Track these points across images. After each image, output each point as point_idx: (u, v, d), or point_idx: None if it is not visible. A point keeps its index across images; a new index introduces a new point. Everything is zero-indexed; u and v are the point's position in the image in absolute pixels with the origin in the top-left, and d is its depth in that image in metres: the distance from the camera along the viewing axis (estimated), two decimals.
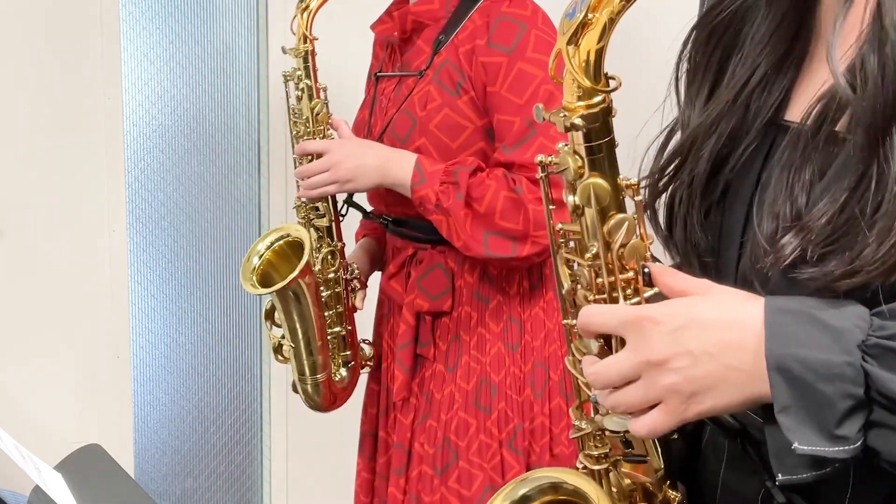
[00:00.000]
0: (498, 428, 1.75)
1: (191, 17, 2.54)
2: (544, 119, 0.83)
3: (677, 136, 0.94)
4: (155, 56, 2.50)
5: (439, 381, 1.78)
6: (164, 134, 2.55)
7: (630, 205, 0.84)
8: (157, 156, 2.56)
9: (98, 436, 1.95)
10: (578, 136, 0.81)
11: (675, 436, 0.90)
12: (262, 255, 1.81)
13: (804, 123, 0.83)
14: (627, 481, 0.91)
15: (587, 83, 0.79)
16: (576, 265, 0.86)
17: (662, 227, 0.96)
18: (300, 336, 1.80)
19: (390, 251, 1.87)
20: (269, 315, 1.84)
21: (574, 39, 0.78)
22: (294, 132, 1.81)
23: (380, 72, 1.84)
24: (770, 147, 0.88)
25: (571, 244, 0.87)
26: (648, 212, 0.95)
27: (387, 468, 1.87)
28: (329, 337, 1.85)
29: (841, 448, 0.73)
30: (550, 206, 0.88)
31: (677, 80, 0.96)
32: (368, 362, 1.91)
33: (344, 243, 1.85)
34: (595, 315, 0.82)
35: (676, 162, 0.93)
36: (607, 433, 0.89)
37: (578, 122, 0.79)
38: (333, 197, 1.83)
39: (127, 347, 2.51)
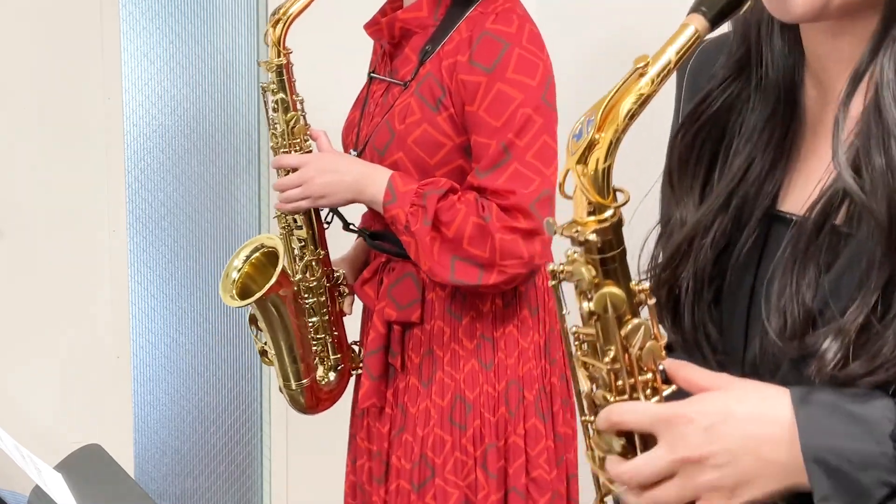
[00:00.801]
0: (473, 445, 1.73)
1: (191, 17, 2.54)
2: (555, 233, 0.86)
3: (676, 233, 0.96)
4: (155, 56, 2.50)
5: (413, 395, 1.76)
6: (164, 134, 2.55)
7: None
8: (157, 156, 2.56)
9: (98, 436, 1.95)
10: (592, 249, 0.84)
11: None
12: (240, 269, 1.82)
13: (807, 216, 0.85)
14: None
15: (598, 199, 0.83)
16: (592, 368, 0.88)
17: (669, 321, 0.97)
18: (282, 344, 1.82)
19: (369, 256, 1.86)
20: (253, 321, 1.85)
21: (583, 159, 0.82)
22: (272, 144, 1.79)
23: (373, 72, 1.82)
24: (766, 238, 0.91)
25: (586, 347, 0.89)
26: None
27: (368, 474, 1.85)
28: (314, 343, 1.85)
29: None
30: (564, 313, 0.90)
31: (670, 174, 0.98)
32: (360, 365, 1.90)
33: (327, 251, 1.83)
34: (626, 413, 0.84)
35: (678, 259, 0.95)
36: None
37: (593, 237, 0.83)
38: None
39: (127, 347, 2.51)
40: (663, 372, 0.86)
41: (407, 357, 1.77)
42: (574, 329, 0.89)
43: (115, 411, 2.50)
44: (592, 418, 0.88)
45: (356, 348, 1.89)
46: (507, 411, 1.73)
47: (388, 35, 1.74)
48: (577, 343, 0.89)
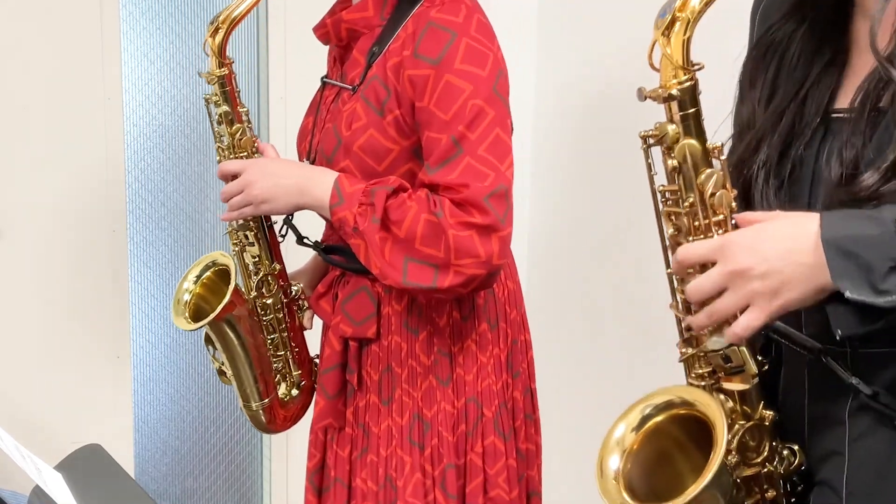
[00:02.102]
0: (431, 465, 1.66)
1: (191, 17, 2.54)
2: (645, 98, 1.06)
3: (747, 133, 1.16)
4: (155, 56, 2.50)
5: (375, 414, 1.69)
6: (164, 134, 2.55)
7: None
8: (157, 156, 2.56)
9: (98, 436, 1.95)
10: (674, 106, 1.05)
11: (766, 366, 1.12)
12: (191, 290, 1.76)
13: (853, 108, 1.06)
14: (730, 403, 1.13)
15: (680, 63, 1.03)
16: (674, 217, 1.09)
17: (742, 208, 1.13)
18: (238, 364, 1.76)
19: (327, 268, 1.79)
20: (209, 340, 1.78)
21: (667, 32, 1.02)
22: (217, 158, 1.73)
23: (325, 76, 1.75)
24: (825, 133, 1.10)
25: (670, 203, 1.09)
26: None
27: (317, 498, 1.79)
28: (275, 360, 1.79)
29: (885, 299, 0.94)
30: (652, 174, 1.09)
31: (741, 85, 1.19)
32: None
33: (283, 265, 1.76)
34: (688, 249, 1.06)
35: (749, 153, 1.14)
36: (709, 354, 1.11)
37: (675, 92, 1.04)
38: (268, 219, 1.74)
39: (127, 347, 2.51)
40: (735, 225, 1.06)
41: (365, 374, 1.69)
42: (660, 187, 1.10)
43: (115, 411, 2.51)
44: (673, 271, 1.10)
45: (318, 362, 1.80)
46: (465, 429, 1.67)
47: (335, 37, 1.68)
48: (662, 200, 1.10)
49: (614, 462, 1.11)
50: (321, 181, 1.60)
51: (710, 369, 1.13)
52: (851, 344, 1.06)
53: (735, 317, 1.04)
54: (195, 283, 1.78)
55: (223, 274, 1.77)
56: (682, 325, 1.14)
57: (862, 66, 1.09)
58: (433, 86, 1.51)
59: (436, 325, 1.65)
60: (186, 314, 1.76)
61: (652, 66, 1.06)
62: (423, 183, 1.56)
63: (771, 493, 1.16)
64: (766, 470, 1.15)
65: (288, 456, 2.75)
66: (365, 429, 1.70)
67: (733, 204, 1.07)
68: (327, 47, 1.80)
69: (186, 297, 1.77)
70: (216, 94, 1.69)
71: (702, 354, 1.12)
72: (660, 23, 1.02)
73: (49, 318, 2.40)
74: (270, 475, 2.78)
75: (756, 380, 1.12)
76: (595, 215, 2.62)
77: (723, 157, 1.07)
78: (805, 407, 1.15)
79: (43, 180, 2.34)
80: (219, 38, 1.65)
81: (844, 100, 1.10)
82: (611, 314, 2.60)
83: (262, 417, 1.83)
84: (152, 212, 2.57)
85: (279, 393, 1.82)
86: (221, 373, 1.83)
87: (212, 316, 1.69)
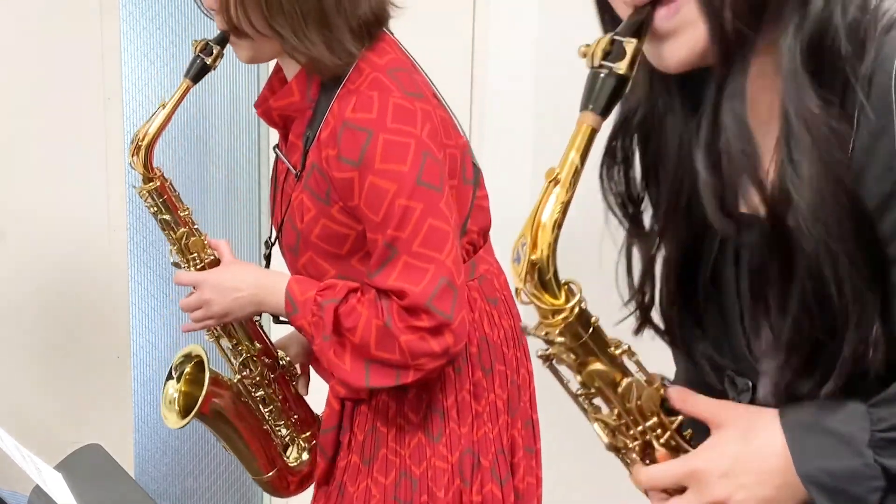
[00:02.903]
0: None
1: (191, 17, 2.54)
2: (529, 334, 0.94)
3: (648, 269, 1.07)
4: (155, 56, 2.50)
5: (353, 474, 1.67)
6: (165, 134, 2.54)
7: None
8: (157, 156, 2.55)
9: (98, 436, 1.95)
10: (567, 339, 0.94)
11: None
12: (178, 389, 1.78)
13: (760, 217, 0.92)
14: None
15: (554, 304, 0.92)
16: (604, 422, 1.01)
17: (677, 349, 1.10)
18: (235, 446, 1.79)
19: None
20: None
21: (529, 277, 0.90)
22: (171, 260, 1.74)
23: (276, 146, 1.71)
24: (725, 241, 1.00)
25: (595, 402, 1.01)
26: (648, 325, 1.09)
27: None
28: (278, 429, 1.81)
29: None
30: (566, 383, 0.99)
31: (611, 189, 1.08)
32: None
33: (263, 343, 1.76)
34: (656, 478, 0.99)
35: (649, 280, 1.06)
36: None
37: (560, 339, 0.94)
38: None
39: (127, 347, 2.51)
40: (666, 408, 0.99)
41: (352, 434, 1.68)
42: (578, 391, 1.00)
43: (115, 411, 2.51)
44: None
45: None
46: (461, 482, 1.64)
47: (271, 123, 1.67)
48: (587, 402, 1.00)
49: None
50: (274, 290, 1.60)
51: None
52: None
53: None
54: (178, 381, 1.79)
55: (201, 365, 1.77)
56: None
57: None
58: (359, 187, 1.49)
59: (427, 382, 1.62)
60: (178, 411, 1.78)
61: (521, 301, 0.93)
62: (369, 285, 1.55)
63: None
64: None
65: None
66: (341, 487, 1.69)
67: (662, 392, 0.98)
68: None
69: (175, 395, 1.79)
70: (154, 206, 1.71)
71: None
72: (516, 270, 0.91)
73: (49, 318, 2.40)
74: None
75: None
76: (595, 216, 2.62)
77: (636, 357, 0.98)
78: None
79: (43, 180, 2.34)
80: (142, 154, 1.68)
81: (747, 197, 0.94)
82: (612, 316, 2.60)
83: (272, 487, 1.85)
84: None
85: (290, 459, 1.83)
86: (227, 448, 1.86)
87: (194, 412, 1.71)
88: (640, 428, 0.99)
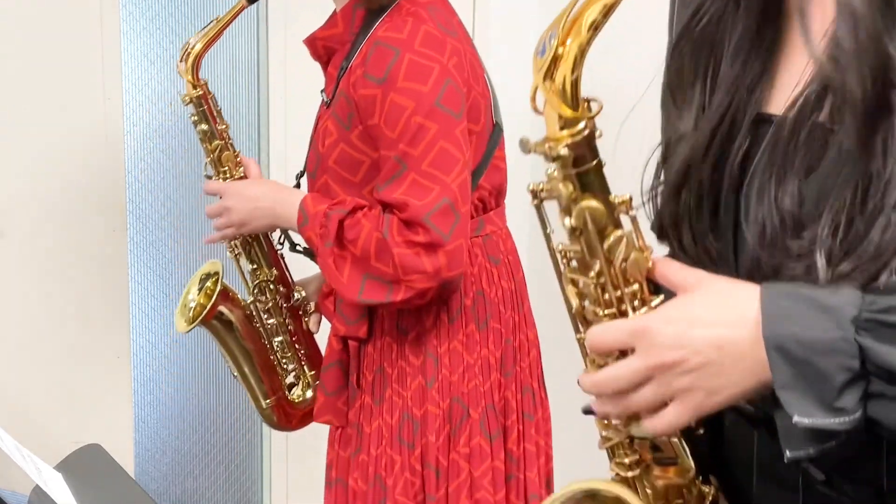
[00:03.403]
0: (421, 465, 1.68)
1: (191, 17, 2.54)
2: (529, 151, 0.84)
3: (677, 153, 0.95)
4: (155, 56, 2.50)
5: (368, 414, 1.72)
6: (165, 134, 2.55)
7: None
8: (157, 156, 2.56)
9: (98, 436, 1.95)
10: (567, 162, 0.83)
11: (701, 430, 0.92)
12: (195, 300, 1.86)
13: (785, 115, 0.86)
14: (660, 482, 0.94)
15: (568, 113, 0.82)
16: (581, 283, 0.89)
17: (676, 241, 0.97)
18: (241, 364, 1.85)
19: None
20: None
21: (549, 74, 0.81)
22: (204, 173, 1.84)
23: (323, 90, 1.78)
24: (752, 143, 0.90)
25: (574, 263, 0.89)
26: (653, 222, 0.98)
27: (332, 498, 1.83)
28: (284, 361, 1.87)
29: (840, 419, 0.76)
30: (548, 231, 0.89)
31: (670, 91, 0.98)
32: None
33: (281, 271, 1.85)
34: (599, 335, 0.86)
35: (680, 179, 0.95)
36: (636, 441, 0.92)
37: (564, 152, 0.83)
38: None
39: (127, 347, 2.51)
40: (651, 283, 0.87)
41: (362, 374, 1.73)
42: (560, 246, 0.89)
43: (115, 411, 2.50)
44: (584, 335, 0.90)
45: None
46: (450, 429, 1.68)
47: (315, 55, 1.73)
48: (564, 261, 0.89)
49: None
50: (291, 203, 1.67)
51: (637, 458, 0.94)
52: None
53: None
54: (199, 292, 1.87)
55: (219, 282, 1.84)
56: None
57: (799, 53, 0.88)
58: (380, 105, 1.55)
59: (424, 326, 1.68)
60: (189, 317, 1.85)
61: (535, 110, 0.85)
62: (376, 201, 1.61)
63: None
64: None
65: (288, 456, 2.75)
66: (359, 428, 1.74)
67: (650, 264, 0.86)
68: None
69: (192, 304, 1.87)
70: (195, 115, 1.80)
71: (628, 441, 0.93)
72: (539, 63, 0.82)
73: (49, 318, 2.40)
74: (270, 475, 2.78)
75: (692, 473, 0.93)
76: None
77: (632, 213, 0.86)
78: (753, 460, 0.96)
79: (43, 180, 2.34)
80: (190, 60, 1.77)
81: (776, 103, 0.90)
82: None
83: (273, 416, 1.89)
84: (152, 212, 2.57)
85: (293, 394, 1.89)
86: (236, 376, 1.90)
87: (201, 316, 1.78)
88: (617, 293, 0.86)
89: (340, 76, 1.64)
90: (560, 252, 0.89)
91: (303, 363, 1.87)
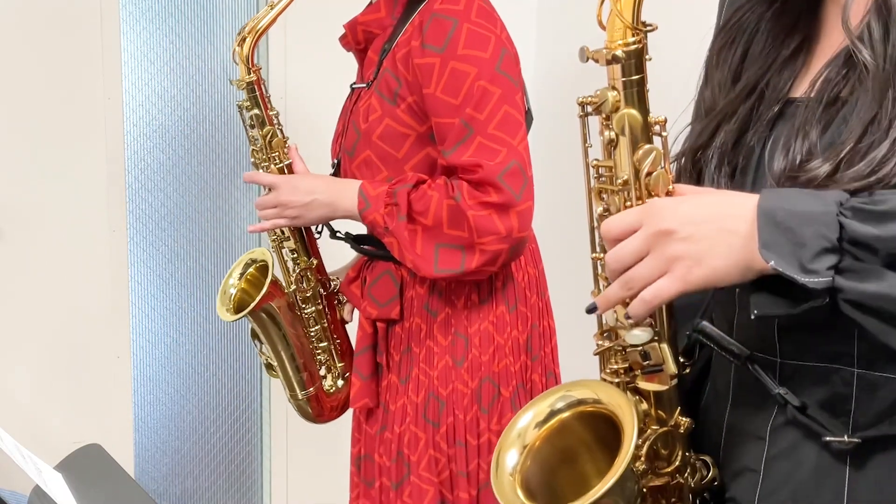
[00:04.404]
0: (447, 442, 1.72)
1: (191, 17, 2.54)
2: (587, 59, 0.96)
3: (707, 116, 1.08)
4: (155, 56, 2.50)
5: (394, 393, 1.76)
6: (164, 134, 2.55)
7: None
8: (157, 156, 2.56)
9: (98, 436, 1.95)
10: (617, 71, 0.95)
11: (687, 369, 1.04)
12: (235, 286, 1.86)
13: (809, 94, 0.98)
14: (644, 405, 1.03)
15: (629, 21, 0.93)
16: (606, 195, 0.99)
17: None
18: (283, 354, 1.85)
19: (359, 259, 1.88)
20: (255, 335, 1.87)
21: None
22: (252, 159, 1.83)
23: (353, 83, 1.84)
24: (777, 121, 1.02)
25: (603, 179, 0.99)
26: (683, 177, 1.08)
27: (359, 477, 1.85)
28: (318, 352, 1.88)
29: (811, 279, 0.85)
30: (587, 145, 1.00)
31: (707, 65, 1.11)
32: None
33: (320, 260, 1.86)
34: (612, 220, 0.95)
35: (706, 137, 1.06)
36: (627, 349, 1.02)
37: (620, 53, 0.94)
38: None
39: (127, 347, 2.51)
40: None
41: (389, 355, 1.77)
42: (594, 161, 1.00)
43: (115, 411, 2.50)
44: (601, 255, 1.00)
45: None
46: (479, 409, 1.72)
47: (354, 41, 1.77)
48: (595, 175, 1.00)
49: (512, 458, 1.02)
50: (347, 191, 1.70)
51: (627, 366, 1.03)
52: (782, 352, 0.97)
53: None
54: (240, 278, 1.87)
55: (264, 270, 1.85)
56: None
57: (827, 51, 1.01)
58: (439, 73, 1.59)
59: (454, 307, 1.72)
60: (231, 306, 1.85)
61: (600, 24, 0.96)
62: (442, 166, 1.64)
63: None
64: (675, 481, 1.05)
65: (288, 455, 2.75)
66: (385, 407, 1.78)
67: (671, 186, 0.96)
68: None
69: (233, 291, 1.87)
70: (247, 100, 1.80)
71: (619, 349, 1.03)
72: None
73: (49, 318, 2.40)
74: (270, 475, 2.78)
75: (675, 381, 1.02)
76: None
77: (665, 134, 0.97)
78: (724, 417, 1.05)
79: (43, 180, 2.34)
80: (246, 47, 1.76)
81: (804, 87, 1.02)
82: None
83: (307, 407, 1.90)
84: (152, 212, 2.57)
85: (325, 384, 1.90)
86: (269, 366, 1.90)
87: (251, 306, 1.78)
88: (639, 202, 0.96)
89: (383, 57, 1.68)
90: (593, 166, 1.00)
91: (334, 353, 1.89)
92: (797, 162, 0.93)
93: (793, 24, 1.04)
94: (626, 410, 0.98)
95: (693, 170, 1.06)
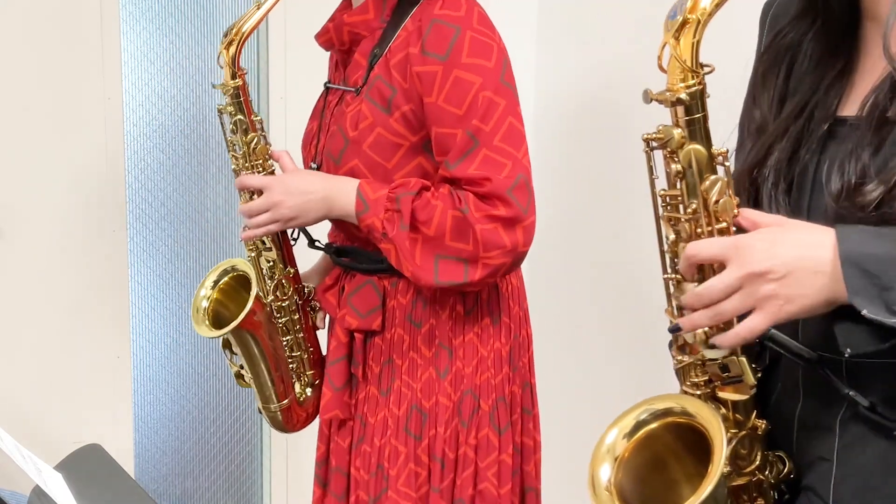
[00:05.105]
0: (428, 456, 1.68)
1: (191, 17, 2.54)
2: (651, 101, 1.03)
3: (759, 138, 1.15)
4: (155, 56, 2.50)
5: (373, 405, 1.71)
6: (164, 134, 2.55)
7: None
8: (157, 156, 2.56)
9: (98, 436, 1.96)
10: (681, 111, 1.03)
11: (759, 374, 1.10)
12: (209, 297, 1.80)
13: (860, 115, 1.05)
14: (722, 410, 1.11)
15: (689, 65, 1.02)
16: (677, 222, 1.07)
17: (751, 206, 1.13)
18: (258, 367, 1.80)
19: (330, 263, 1.84)
20: (227, 344, 1.82)
21: (677, 35, 1.01)
22: (233, 166, 1.75)
23: (328, 82, 1.78)
24: (828, 140, 1.10)
25: (670, 208, 1.08)
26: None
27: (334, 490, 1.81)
28: (290, 361, 1.83)
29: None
30: (653, 177, 1.07)
31: (753, 88, 1.19)
32: None
33: (296, 268, 1.80)
34: (701, 245, 1.04)
35: (762, 154, 1.13)
36: (707, 362, 1.09)
37: (684, 97, 1.02)
38: None
39: (127, 347, 2.51)
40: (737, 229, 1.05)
41: (367, 366, 1.72)
42: (661, 191, 1.08)
43: (115, 411, 2.50)
44: (674, 274, 1.08)
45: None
46: (459, 422, 1.68)
47: (338, 41, 1.70)
48: (663, 204, 1.08)
49: (605, 472, 1.08)
50: (346, 191, 1.63)
51: (707, 378, 1.11)
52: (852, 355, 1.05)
53: (733, 320, 1.03)
54: (212, 288, 1.81)
55: (241, 280, 1.80)
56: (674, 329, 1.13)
57: (871, 71, 1.09)
58: (442, 81, 1.54)
59: (439, 319, 1.67)
60: (207, 321, 1.79)
61: (661, 68, 1.04)
62: (444, 178, 1.59)
63: (760, 502, 1.15)
64: (756, 478, 1.13)
65: (288, 456, 2.75)
66: (363, 420, 1.73)
67: (736, 211, 1.05)
68: (328, 52, 1.81)
69: (205, 303, 1.81)
70: (230, 105, 1.71)
71: (699, 363, 1.10)
72: (670, 24, 1.01)
73: (49, 318, 2.40)
74: (270, 475, 2.78)
75: (754, 391, 1.10)
76: (594, 214, 2.62)
77: (728, 164, 1.05)
78: (796, 413, 1.13)
79: (43, 180, 2.34)
80: (232, 50, 1.68)
81: (852, 107, 1.10)
82: (609, 313, 2.60)
83: (281, 418, 1.86)
84: (152, 212, 2.57)
85: (295, 392, 1.85)
86: (239, 376, 1.85)
87: (235, 323, 1.72)
88: (709, 229, 1.04)
89: (374, 62, 1.62)
90: (660, 196, 1.08)
91: (304, 362, 1.85)
92: (852, 182, 1.02)
93: (835, 45, 1.12)
94: (713, 424, 1.04)
95: (751, 187, 1.13)
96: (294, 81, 2.53)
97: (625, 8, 2.47)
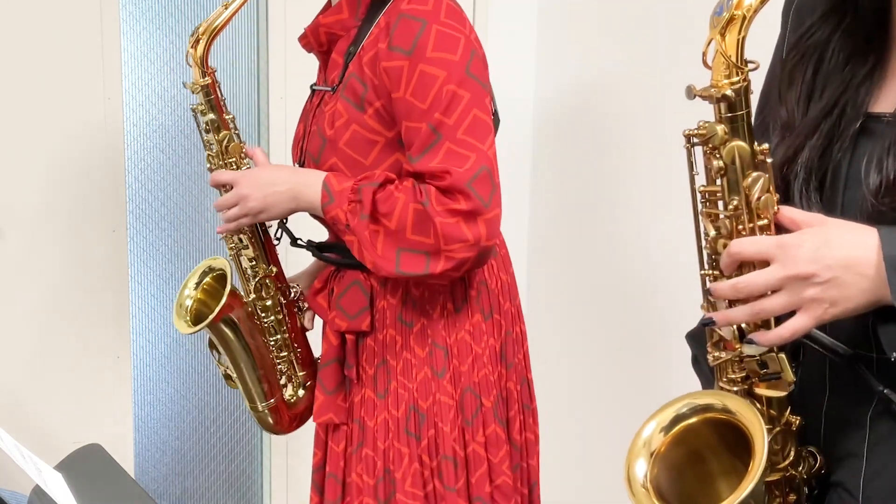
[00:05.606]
0: (429, 456, 1.68)
1: (191, 17, 2.54)
2: (694, 96, 1.03)
3: (789, 135, 1.15)
4: (155, 56, 2.50)
5: (370, 408, 1.71)
6: (164, 134, 2.55)
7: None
8: (157, 156, 2.56)
9: (98, 436, 1.95)
10: (724, 107, 1.03)
11: (798, 371, 1.10)
12: (192, 297, 1.81)
13: (892, 115, 1.05)
14: (757, 405, 1.09)
15: (734, 61, 1.02)
16: (717, 217, 1.07)
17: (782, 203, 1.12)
18: (242, 366, 1.80)
19: (320, 266, 1.84)
20: (212, 345, 1.82)
21: (723, 31, 1.01)
22: (208, 165, 1.77)
23: (314, 84, 1.79)
24: (860, 137, 1.10)
25: (709, 204, 1.07)
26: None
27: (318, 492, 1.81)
28: (279, 362, 1.82)
29: None
30: (693, 173, 1.06)
31: (779, 86, 1.18)
32: None
33: (279, 267, 1.81)
34: (745, 243, 1.04)
35: (793, 151, 1.13)
36: (745, 359, 1.09)
37: (730, 93, 1.02)
38: (262, 223, 1.78)
39: (127, 347, 2.51)
40: (777, 225, 1.05)
41: (361, 369, 1.72)
42: (700, 187, 1.08)
43: (115, 411, 2.50)
44: (711, 271, 1.08)
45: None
46: (463, 420, 1.68)
47: (316, 43, 1.72)
48: (702, 201, 1.08)
49: (641, 467, 1.08)
50: (312, 183, 1.64)
51: (744, 374, 1.11)
52: (878, 348, 1.05)
53: (774, 318, 1.04)
54: (195, 288, 1.82)
55: (222, 279, 1.80)
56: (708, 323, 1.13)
57: None
58: (408, 76, 1.54)
59: (430, 318, 1.67)
60: (188, 318, 1.80)
61: (706, 64, 1.04)
62: (409, 172, 1.59)
63: (792, 497, 1.15)
64: (789, 474, 1.14)
65: (288, 456, 2.75)
66: (360, 424, 1.72)
67: (776, 208, 1.05)
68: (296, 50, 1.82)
69: (188, 302, 1.81)
70: (202, 104, 1.74)
71: (736, 359, 1.10)
72: (716, 21, 1.01)
73: (49, 318, 2.40)
74: (270, 475, 2.78)
75: (792, 387, 1.10)
76: (593, 212, 2.62)
77: (769, 161, 1.05)
78: (823, 408, 1.14)
79: (43, 180, 2.34)
80: (200, 49, 1.70)
81: (884, 103, 1.10)
82: (608, 310, 2.60)
83: (269, 419, 1.85)
84: (152, 212, 2.57)
85: (286, 394, 1.84)
86: (227, 377, 1.85)
87: (210, 318, 1.72)
88: (750, 225, 1.04)
89: (349, 60, 1.63)
90: (700, 192, 1.08)
91: (294, 362, 1.84)
92: (892, 178, 1.03)
93: (865, 42, 1.12)
94: (755, 422, 1.04)
95: (781, 183, 1.13)
96: (294, 81, 2.53)
97: (625, 8, 2.47)
